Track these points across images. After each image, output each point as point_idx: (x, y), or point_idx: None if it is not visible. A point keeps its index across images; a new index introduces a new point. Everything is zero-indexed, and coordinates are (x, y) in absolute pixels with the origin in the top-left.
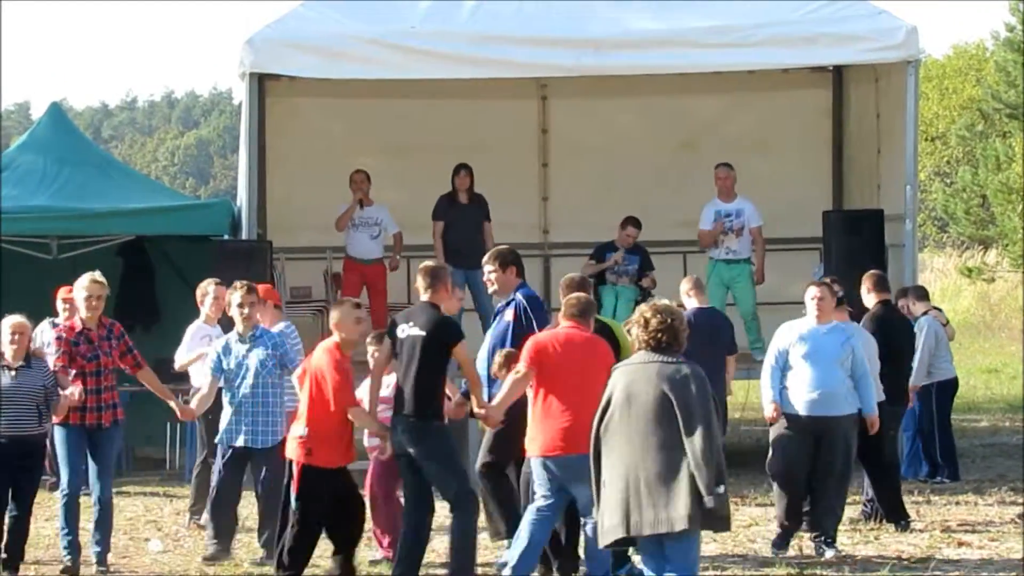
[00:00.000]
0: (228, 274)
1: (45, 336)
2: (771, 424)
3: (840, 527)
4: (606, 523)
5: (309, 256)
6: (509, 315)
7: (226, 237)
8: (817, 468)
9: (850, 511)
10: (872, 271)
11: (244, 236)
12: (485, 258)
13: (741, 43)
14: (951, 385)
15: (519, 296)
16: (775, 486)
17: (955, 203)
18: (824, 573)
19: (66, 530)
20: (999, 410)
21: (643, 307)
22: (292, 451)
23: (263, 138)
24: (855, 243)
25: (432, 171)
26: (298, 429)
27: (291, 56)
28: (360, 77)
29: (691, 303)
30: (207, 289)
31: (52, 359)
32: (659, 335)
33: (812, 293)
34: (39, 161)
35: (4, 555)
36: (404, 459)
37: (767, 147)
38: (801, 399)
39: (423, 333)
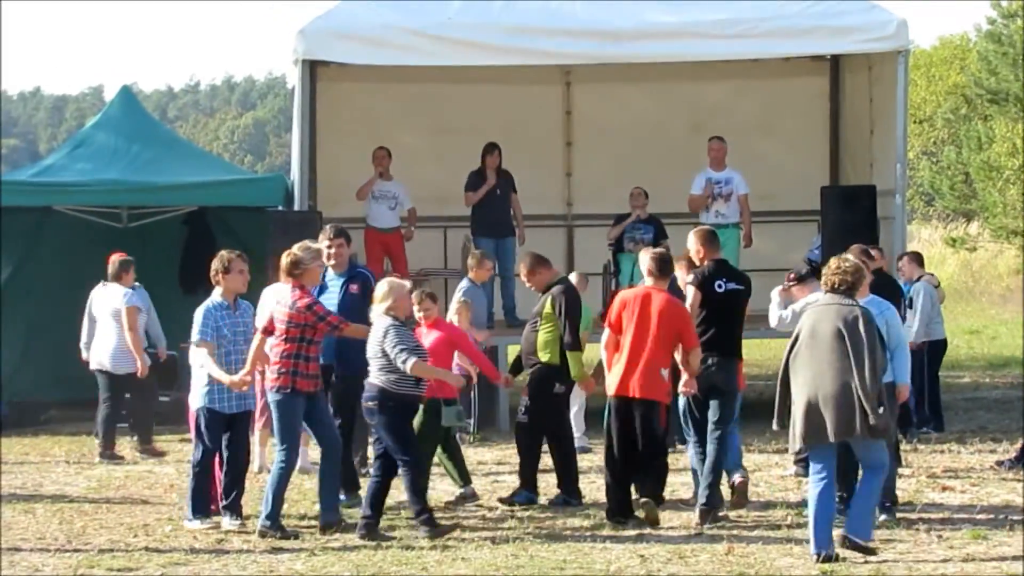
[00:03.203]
0: (282, 241)
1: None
2: None
3: None
4: (797, 431)
5: (355, 225)
6: (356, 287)
7: (280, 208)
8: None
9: None
10: (857, 244)
11: (296, 207)
12: (331, 233)
13: (747, 34)
14: (941, 345)
15: (363, 271)
16: None
17: (941, 179)
18: None
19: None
20: (980, 367)
21: (833, 258)
22: (656, 391)
23: (314, 119)
24: (850, 216)
25: (467, 150)
26: (650, 370)
27: (340, 45)
28: (402, 64)
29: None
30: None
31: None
32: (835, 279)
33: None
34: (111, 139)
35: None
36: (706, 394)
37: (770, 129)
38: None
39: (742, 287)
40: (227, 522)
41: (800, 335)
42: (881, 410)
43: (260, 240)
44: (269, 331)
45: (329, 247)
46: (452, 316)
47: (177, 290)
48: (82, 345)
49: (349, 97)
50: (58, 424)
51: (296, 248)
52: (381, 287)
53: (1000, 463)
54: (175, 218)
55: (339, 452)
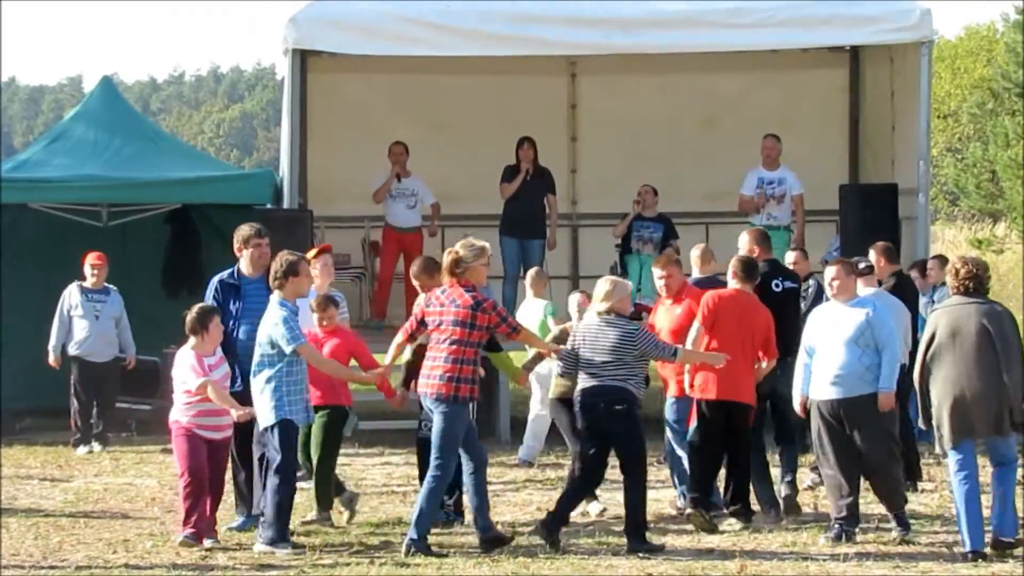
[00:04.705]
0: (271, 242)
1: (72, 299)
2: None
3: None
4: (945, 431)
5: (348, 225)
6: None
7: (269, 206)
8: (859, 454)
9: None
10: (880, 242)
11: (286, 205)
12: (258, 232)
13: (762, 24)
14: None
15: None
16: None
17: (966, 178)
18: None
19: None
20: None
21: (955, 259)
22: (745, 393)
23: (304, 111)
24: (870, 216)
25: (466, 144)
26: (741, 373)
27: (332, 33)
28: (398, 54)
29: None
30: None
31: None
32: (967, 282)
33: (828, 275)
34: (91, 132)
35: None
36: (769, 398)
37: (786, 124)
38: (818, 383)
39: (796, 285)
40: (282, 553)
41: (937, 335)
42: None
43: None
44: (414, 336)
45: (258, 245)
46: None
47: (160, 292)
48: (51, 347)
49: (342, 89)
50: (33, 434)
51: (459, 246)
52: (603, 285)
53: None
54: (158, 216)
55: (486, 466)
